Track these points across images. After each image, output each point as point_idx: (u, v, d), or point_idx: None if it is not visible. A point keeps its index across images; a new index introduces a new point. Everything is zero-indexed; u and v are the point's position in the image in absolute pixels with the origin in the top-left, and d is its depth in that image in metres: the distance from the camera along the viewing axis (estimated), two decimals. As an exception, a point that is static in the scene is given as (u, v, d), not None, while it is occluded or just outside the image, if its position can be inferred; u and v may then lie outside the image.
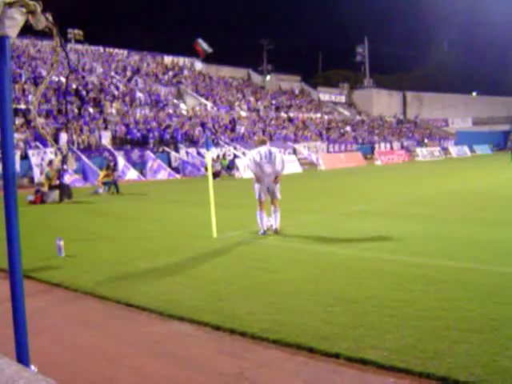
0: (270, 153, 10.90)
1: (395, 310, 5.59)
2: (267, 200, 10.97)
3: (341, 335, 4.92)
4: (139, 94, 43.35)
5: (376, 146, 53.30)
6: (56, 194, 18.85)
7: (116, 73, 47.67)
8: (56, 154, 22.22)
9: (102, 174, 23.00)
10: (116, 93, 41.74)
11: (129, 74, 48.78)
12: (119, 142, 33.87)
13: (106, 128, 34.23)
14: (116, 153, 31.36)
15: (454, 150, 58.05)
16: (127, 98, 41.36)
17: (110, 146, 32.13)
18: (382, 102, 78.27)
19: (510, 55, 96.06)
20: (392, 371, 4.18)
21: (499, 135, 72.32)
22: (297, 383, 4.13)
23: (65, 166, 20.55)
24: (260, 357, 4.63)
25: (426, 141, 62.81)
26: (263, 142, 11.31)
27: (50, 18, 3.29)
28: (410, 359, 4.31)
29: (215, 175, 25.98)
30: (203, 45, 59.97)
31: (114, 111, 37.55)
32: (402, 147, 56.36)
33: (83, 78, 41.81)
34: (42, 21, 3.32)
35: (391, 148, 55.59)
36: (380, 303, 5.84)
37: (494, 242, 9.23)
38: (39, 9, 3.27)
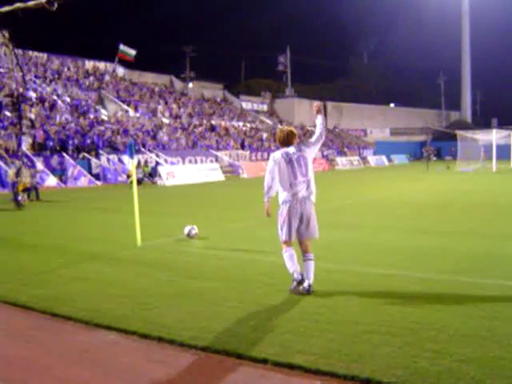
0: (305, 158, 7.00)
1: (319, 315, 5.76)
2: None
3: (268, 341, 5.03)
4: (59, 99, 42.39)
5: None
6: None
7: (36, 76, 46.42)
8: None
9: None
10: (35, 97, 40.65)
11: (49, 78, 47.60)
12: (38, 148, 32.99)
13: (24, 133, 33.26)
14: (35, 159, 30.54)
15: (372, 160, 59.71)
16: (47, 103, 40.36)
17: (28, 152, 31.24)
18: (303, 112, 79.39)
19: (427, 68, 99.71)
20: (318, 374, 4.32)
21: (416, 145, 74.92)
22: (226, 389, 4.20)
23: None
24: (189, 364, 4.68)
25: (346, 150, 64.25)
26: (290, 139, 7.14)
27: (7, 34, 3.26)
28: (335, 362, 4.47)
29: (137, 182, 25.71)
30: (126, 50, 59.41)
31: (32, 116, 36.54)
32: (323, 156, 57.36)
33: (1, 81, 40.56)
34: (-1, 38, 3.28)
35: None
36: (304, 309, 5.99)
37: (411, 248, 9.61)
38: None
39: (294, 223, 6.80)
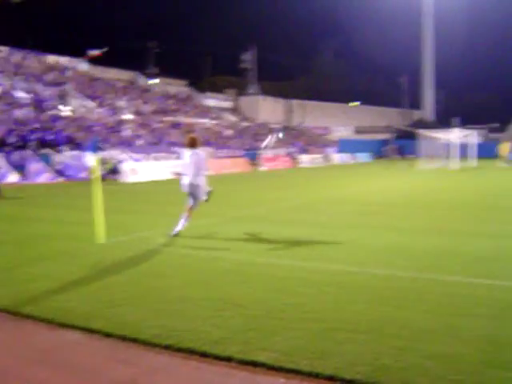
0: (200, 158, 10.97)
1: (284, 313, 5.77)
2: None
3: (232, 339, 5.03)
4: (20, 94, 41.68)
5: (261, 152, 54.03)
6: None
7: (-5, 71, 45.58)
8: None
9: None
10: (-5, 92, 39.94)
11: (10, 72, 46.77)
12: (-2, 144, 32.44)
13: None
14: (-5, 155, 30.01)
15: (336, 158, 60.07)
16: (7, 98, 39.65)
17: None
18: (268, 109, 79.55)
19: (391, 67, 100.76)
20: (282, 372, 4.34)
21: (379, 144, 75.52)
22: (190, 387, 4.19)
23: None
24: (153, 362, 4.65)
25: (309, 148, 64.53)
26: (193, 143, 11.08)
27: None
28: (299, 360, 4.49)
29: (100, 179, 25.41)
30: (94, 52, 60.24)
31: (-8, 111, 35.92)
32: (287, 154, 57.49)
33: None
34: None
35: (276, 154, 56.56)
36: (269, 307, 6.00)
37: (375, 246, 9.68)
38: None
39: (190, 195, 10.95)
